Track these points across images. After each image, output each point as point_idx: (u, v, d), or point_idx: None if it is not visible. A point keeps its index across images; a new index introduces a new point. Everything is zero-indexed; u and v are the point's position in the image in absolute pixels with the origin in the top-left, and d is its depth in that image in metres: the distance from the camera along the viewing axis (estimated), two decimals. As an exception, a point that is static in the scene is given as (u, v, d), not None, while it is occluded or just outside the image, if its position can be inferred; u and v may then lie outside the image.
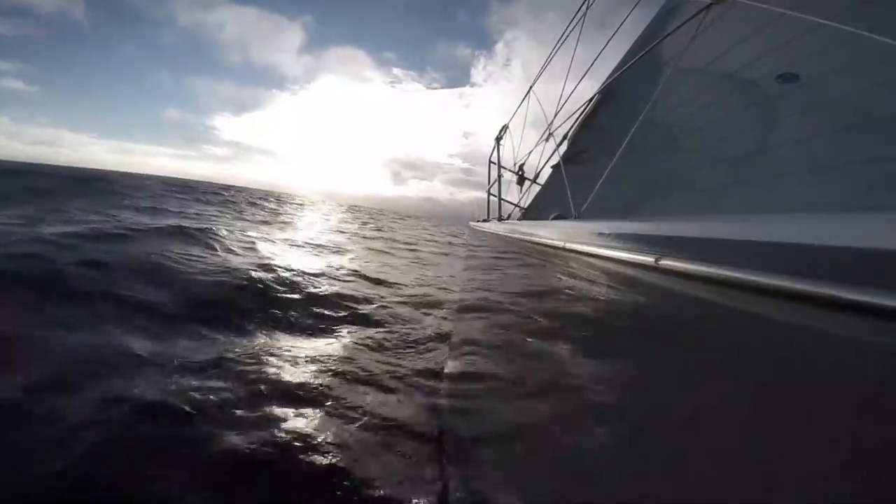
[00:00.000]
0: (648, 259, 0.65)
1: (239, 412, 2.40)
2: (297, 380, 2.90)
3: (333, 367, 3.20)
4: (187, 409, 2.32)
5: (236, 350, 3.22)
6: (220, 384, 2.66)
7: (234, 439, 2.16)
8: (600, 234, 0.91)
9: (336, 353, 3.50)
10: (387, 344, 3.97)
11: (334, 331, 4.16)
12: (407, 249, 13.14)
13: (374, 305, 5.19)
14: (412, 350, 3.94)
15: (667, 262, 0.61)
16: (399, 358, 3.69)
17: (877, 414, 0.37)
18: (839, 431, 0.40)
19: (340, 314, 4.65)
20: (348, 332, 4.16)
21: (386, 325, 4.57)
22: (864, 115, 1.21)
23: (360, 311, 4.84)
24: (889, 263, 0.36)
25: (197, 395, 2.47)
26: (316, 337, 3.92)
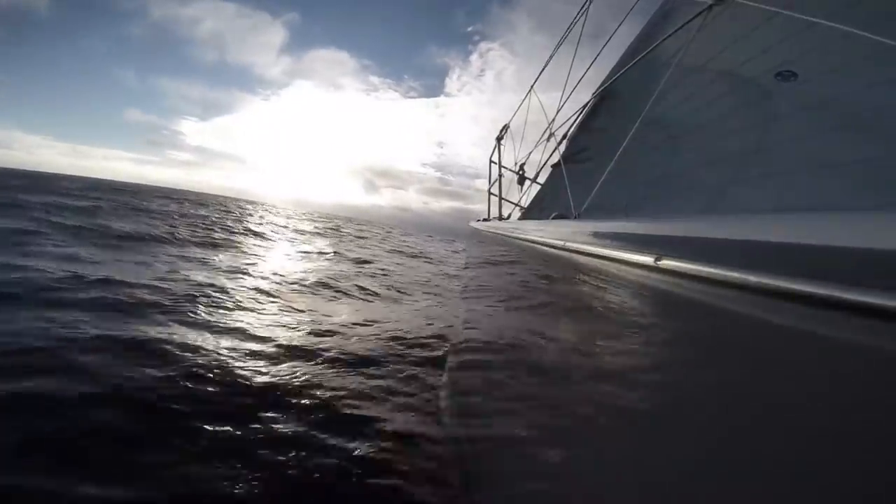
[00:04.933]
0: (648, 259, 0.65)
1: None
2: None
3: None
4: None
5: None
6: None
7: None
8: (600, 234, 0.91)
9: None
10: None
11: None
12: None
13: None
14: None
15: (667, 262, 0.61)
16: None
17: (877, 414, 0.37)
18: (839, 432, 0.40)
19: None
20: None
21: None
22: (862, 113, 1.21)
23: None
24: (889, 263, 0.36)
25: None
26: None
